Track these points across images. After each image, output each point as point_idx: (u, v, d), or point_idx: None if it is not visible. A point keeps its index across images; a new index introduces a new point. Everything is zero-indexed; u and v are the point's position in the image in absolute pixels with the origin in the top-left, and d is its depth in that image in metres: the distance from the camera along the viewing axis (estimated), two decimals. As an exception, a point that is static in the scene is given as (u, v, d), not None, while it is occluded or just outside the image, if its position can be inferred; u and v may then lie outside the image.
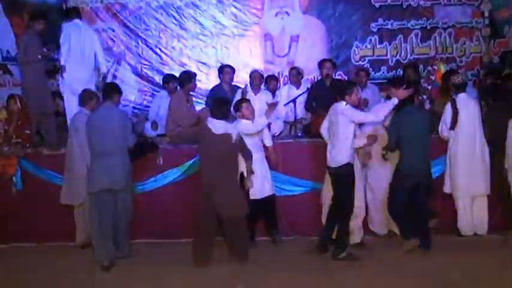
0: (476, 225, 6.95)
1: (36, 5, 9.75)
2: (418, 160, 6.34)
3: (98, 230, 6.43)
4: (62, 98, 8.62)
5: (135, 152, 6.69)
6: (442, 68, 7.72)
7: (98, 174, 6.41)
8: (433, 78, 7.67)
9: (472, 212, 6.93)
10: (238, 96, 8.00)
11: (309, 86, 8.53)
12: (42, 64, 7.94)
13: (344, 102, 6.28)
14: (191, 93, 8.17)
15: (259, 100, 7.93)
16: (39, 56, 7.84)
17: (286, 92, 8.71)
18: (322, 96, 7.82)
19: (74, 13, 8.12)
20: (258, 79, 8.31)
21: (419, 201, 6.47)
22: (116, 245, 6.56)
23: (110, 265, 6.36)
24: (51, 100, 8.08)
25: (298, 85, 8.67)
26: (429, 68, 8.32)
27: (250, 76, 8.39)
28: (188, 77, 7.89)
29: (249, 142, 6.59)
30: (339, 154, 6.22)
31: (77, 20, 7.96)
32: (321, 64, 8.30)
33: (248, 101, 6.92)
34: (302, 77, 8.96)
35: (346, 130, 6.22)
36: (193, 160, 7.21)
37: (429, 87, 7.60)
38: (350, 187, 6.21)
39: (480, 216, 6.95)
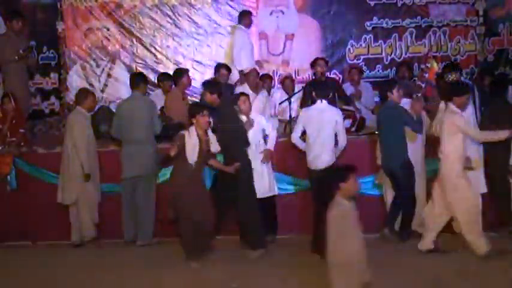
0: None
1: (31, 4, 9.72)
2: (388, 153, 6.52)
3: (126, 212, 7.00)
4: (58, 96, 8.65)
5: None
6: (435, 65, 7.71)
7: (127, 162, 6.91)
8: (426, 76, 7.66)
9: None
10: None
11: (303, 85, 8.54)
12: (21, 64, 8.12)
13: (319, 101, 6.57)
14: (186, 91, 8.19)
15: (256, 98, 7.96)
16: (16, 57, 7.95)
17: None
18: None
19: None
20: (254, 77, 8.27)
21: (403, 195, 6.55)
22: (138, 231, 6.99)
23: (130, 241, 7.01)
24: (30, 100, 8.44)
25: None
26: (422, 66, 8.32)
27: (246, 74, 8.38)
28: (180, 73, 7.96)
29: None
30: (327, 154, 6.32)
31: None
32: (313, 63, 8.24)
33: (246, 95, 6.95)
34: None
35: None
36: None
37: (423, 85, 7.58)
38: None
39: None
